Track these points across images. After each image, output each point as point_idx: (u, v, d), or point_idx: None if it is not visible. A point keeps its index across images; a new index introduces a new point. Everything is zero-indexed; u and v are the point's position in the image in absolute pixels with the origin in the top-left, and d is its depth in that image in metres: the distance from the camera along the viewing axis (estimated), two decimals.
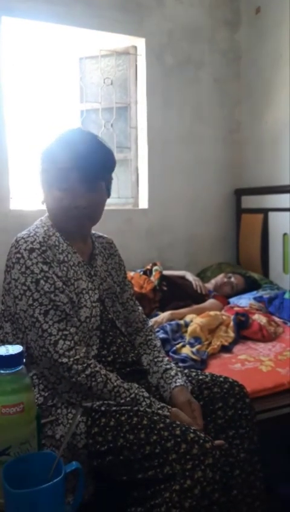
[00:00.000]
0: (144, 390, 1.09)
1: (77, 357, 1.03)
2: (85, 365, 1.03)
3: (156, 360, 1.24)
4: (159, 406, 1.06)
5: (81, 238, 1.23)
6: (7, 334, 1.12)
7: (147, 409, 1.03)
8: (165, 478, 0.91)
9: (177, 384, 1.16)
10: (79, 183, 1.12)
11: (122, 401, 1.04)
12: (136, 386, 1.08)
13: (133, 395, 1.05)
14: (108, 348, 1.16)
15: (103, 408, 1.03)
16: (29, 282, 1.05)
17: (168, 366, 1.22)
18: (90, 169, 1.13)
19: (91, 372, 1.03)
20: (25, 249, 1.07)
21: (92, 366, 1.04)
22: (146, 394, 1.07)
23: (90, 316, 1.13)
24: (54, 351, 1.02)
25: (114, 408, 1.03)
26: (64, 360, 1.02)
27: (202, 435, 0.96)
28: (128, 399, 1.04)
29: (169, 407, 1.07)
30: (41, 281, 1.05)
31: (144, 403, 1.05)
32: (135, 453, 0.95)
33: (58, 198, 1.13)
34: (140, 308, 1.37)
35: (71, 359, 1.02)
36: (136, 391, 1.06)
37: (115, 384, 1.04)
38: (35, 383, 1.07)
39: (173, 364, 1.25)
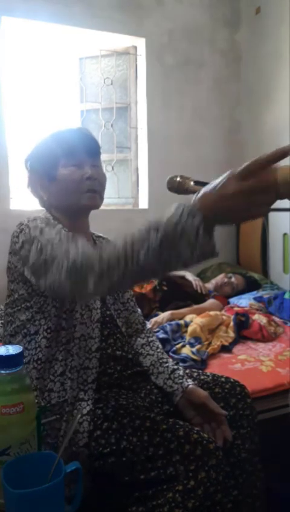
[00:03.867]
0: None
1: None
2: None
3: (161, 361, 1.24)
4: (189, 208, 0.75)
5: (82, 231, 1.22)
6: (19, 325, 1.09)
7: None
8: (168, 479, 0.91)
9: (190, 383, 1.16)
10: (85, 157, 1.16)
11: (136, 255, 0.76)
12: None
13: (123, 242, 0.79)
14: (106, 340, 1.16)
15: (107, 412, 1.02)
16: (35, 234, 1.00)
17: (175, 367, 1.22)
18: (92, 145, 1.19)
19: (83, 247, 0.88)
20: (28, 220, 1.06)
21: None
22: (138, 229, 0.80)
23: (90, 307, 1.13)
24: (66, 256, 0.87)
25: (115, 409, 1.02)
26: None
27: (205, 435, 0.96)
28: (119, 247, 0.79)
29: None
30: (46, 228, 1.01)
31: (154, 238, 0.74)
32: (138, 455, 0.94)
33: (68, 174, 1.14)
34: (139, 310, 1.37)
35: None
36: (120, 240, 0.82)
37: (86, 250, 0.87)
38: (38, 385, 1.06)
39: (179, 366, 1.25)
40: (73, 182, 1.14)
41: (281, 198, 0.84)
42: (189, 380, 1.17)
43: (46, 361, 1.06)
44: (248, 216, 0.80)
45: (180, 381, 1.17)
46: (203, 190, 0.76)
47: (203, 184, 1.01)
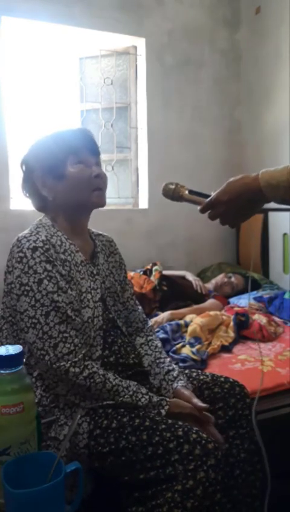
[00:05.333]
0: (142, 386, 1.09)
1: (75, 359, 1.02)
2: (82, 367, 1.02)
3: (157, 361, 1.24)
4: (157, 399, 1.06)
5: (82, 232, 1.23)
6: (8, 336, 1.11)
7: (148, 403, 1.04)
8: (167, 478, 0.91)
9: (179, 384, 1.16)
10: (90, 156, 1.18)
11: (121, 399, 1.03)
12: (134, 383, 1.08)
13: (131, 393, 1.05)
14: (109, 347, 1.16)
15: (108, 410, 1.03)
16: (32, 282, 1.04)
17: (170, 368, 1.22)
18: (95, 145, 1.21)
19: (89, 374, 1.02)
20: (28, 248, 1.06)
21: (89, 367, 1.03)
22: (144, 390, 1.07)
23: (92, 316, 1.13)
24: (53, 354, 1.01)
25: (115, 410, 1.03)
26: (62, 363, 1.01)
27: (204, 435, 0.96)
28: (126, 397, 1.04)
29: (167, 399, 1.07)
30: (45, 281, 1.04)
31: (143, 399, 1.05)
32: (137, 454, 0.95)
33: (77, 172, 1.15)
34: (140, 307, 1.36)
35: (69, 362, 1.01)
36: (134, 388, 1.06)
37: (114, 383, 1.04)
38: (39, 384, 1.07)
39: (175, 366, 1.24)
40: (83, 180, 1.15)
41: (268, 201, 0.89)
42: (180, 382, 1.17)
43: None
44: (240, 220, 1.01)
45: (172, 383, 1.17)
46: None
47: (198, 194, 1.02)
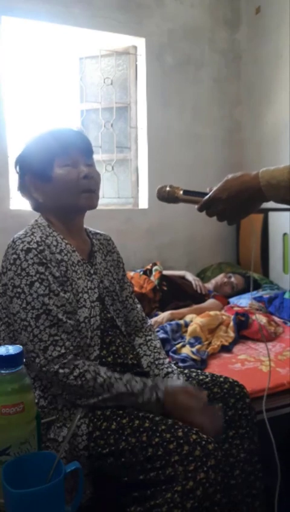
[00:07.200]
0: (135, 376, 1.07)
1: (65, 361, 1.02)
2: (72, 367, 1.02)
3: (156, 362, 1.23)
4: (152, 383, 1.06)
5: (78, 232, 1.22)
6: (5, 337, 1.11)
7: (143, 388, 1.04)
8: (167, 479, 0.91)
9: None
10: (80, 157, 1.15)
11: (116, 390, 1.03)
12: (128, 374, 1.07)
13: (124, 382, 1.04)
14: (107, 347, 1.15)
15: (107, 412, 1.02)
16: (24, 284, 1.04)
17: (169, 370, 1.21)
18: (85, 144, 1.18)
19: (80, 373, 1.02)
20: (22, 250, 1.05)
21: (79, 366, 1.03)
22: (138, 378, 1.06)
23: (89, 316, 1.12)
24: (44, 357, 1.01)
25: (114, 410, 1.02)
26: (52, 365, 1.01)
27: (204, 436, 0.96)
28: (121, 386, 1.03)
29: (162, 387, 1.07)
30: (36, 283, 1.04)
31: (137, 385, 1.04)
32: (137, 455, 0.94)
33: (64, 174, 1.12)
34: (139, 306, 1.35)
35: (58, 365, 1.01)
36: (127, 377, 1.05)
37: (105, 376, 1.03)
38: (37, 385, 1.07)
39: (174, 367, 1.24)
40: (70, 182, 1.12)
41: (267, 201, 0.89)
42: (178, 382, 1.16)
43: None
44: (239, 218, 1.02)
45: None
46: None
47: (193, 193, 1.02)
